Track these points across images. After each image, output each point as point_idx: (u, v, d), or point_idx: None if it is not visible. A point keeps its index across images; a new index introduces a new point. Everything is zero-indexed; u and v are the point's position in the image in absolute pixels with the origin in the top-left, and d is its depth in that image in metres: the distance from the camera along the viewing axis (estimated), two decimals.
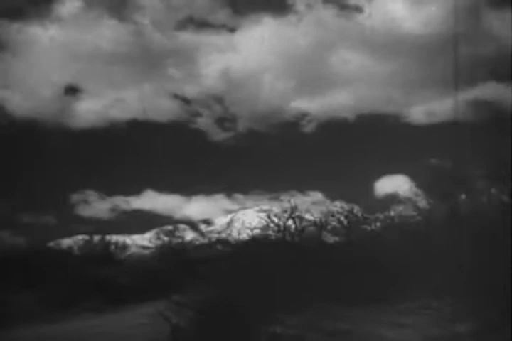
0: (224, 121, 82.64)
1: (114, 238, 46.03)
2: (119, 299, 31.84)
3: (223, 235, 49.88)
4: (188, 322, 18.91)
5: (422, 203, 31.04)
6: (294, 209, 33.41)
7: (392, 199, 34.70)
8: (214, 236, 49.63)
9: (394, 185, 68.46)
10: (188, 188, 73.09)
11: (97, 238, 44.80)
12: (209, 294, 22.11)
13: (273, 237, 33.23)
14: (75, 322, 27.32)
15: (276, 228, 33.34)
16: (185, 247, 44.74)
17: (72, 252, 44.67)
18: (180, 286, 28.95)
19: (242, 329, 16.61)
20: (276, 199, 48.73)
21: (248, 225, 35.74)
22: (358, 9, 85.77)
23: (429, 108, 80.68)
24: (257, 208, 47.27)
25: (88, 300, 31.22)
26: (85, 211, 76.55)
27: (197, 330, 17.88)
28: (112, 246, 44.92)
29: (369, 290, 21.87)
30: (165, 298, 27.81)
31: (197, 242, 47.18)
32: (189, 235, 50.49)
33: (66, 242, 47.98)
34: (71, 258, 40.73)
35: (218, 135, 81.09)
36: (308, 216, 34.08)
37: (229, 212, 73.39)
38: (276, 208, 34.77)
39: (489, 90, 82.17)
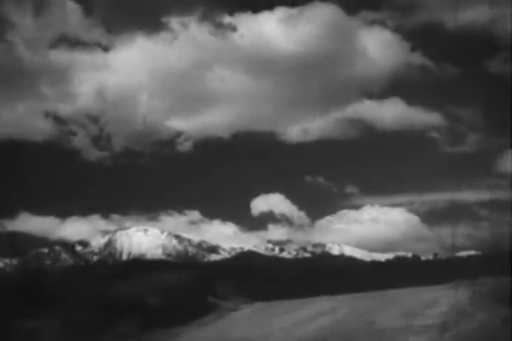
0: (99, 140, 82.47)
1: None
2: None
3: (100, 257, 49.72)
4: None
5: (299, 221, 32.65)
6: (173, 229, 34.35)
7: (268, 217, 36.13)
8: (91, 258, 49.39)
9: (269, 203, 70.76)
10: (63, 209, 69.89)
11: None
12: None
13: (154, 258, 34.02)
14: None
15: (158, 248, 34.19)
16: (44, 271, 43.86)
17: None
18: None
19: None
20: (155, 219, 49.41)
21: (127, 246, 36.37)
22: (233, 28, 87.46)
23: (304, 126, 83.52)
24: (134, 228, 47.40)
25: None
26: None
27: None
28: None
29: None
30: None
31: (71, 263, 46.69)
32: (64, 257, 50.07)
33: None
34: None
35: (94, 154, 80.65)
36: (188, 235, 35.11)
37: (106, 232, 72.19)
38: (154, 228, 35.58)
39: (362, 108, 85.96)
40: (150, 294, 28.47)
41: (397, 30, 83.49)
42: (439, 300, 18.73)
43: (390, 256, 68.54)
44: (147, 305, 29.35)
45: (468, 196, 77.18)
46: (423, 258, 61.57)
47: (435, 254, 60.24)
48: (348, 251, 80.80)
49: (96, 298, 27.31)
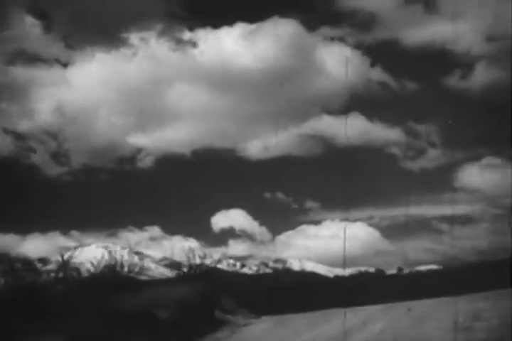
0: (59, 156, 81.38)
1: None
2: None
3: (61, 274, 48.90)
4: None
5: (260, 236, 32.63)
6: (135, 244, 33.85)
7: (229, 233, 35.91)
8: (51, 275, 48.58)
9: (230, 219, 70.51)
10: (22, 226, 67.40)
11: None
12: None
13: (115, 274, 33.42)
14: None
15: (118, 265, 33.62)
16: None
17: None
18: None
19: None
20: (115, 235, 48.65)
21: (87, 262, 35.76)
22: (193, 44, 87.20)
23: (264, 142, 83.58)
24: (94, 245, 46.93)
25: None
26: None
27: None
28: None
29: None
30: None
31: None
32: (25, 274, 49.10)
33: None
34: None
35: (53, 170, 79.61)
36: (149, 252, 34.63)
37: (66, 249, 71.21)
38: (114, 244, 35.04)
39: (322, 124, 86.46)
40: (158, 308, 27.72)
41: (356, 46, 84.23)
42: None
43: (353, 270, 68.52)
44: (156, 319, 28.48)
45: (428, 210, 78.01)
46: (388, 272, 61.80)
47: (399, 269, 60.46)
48: (309, 266, 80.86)
49: (103, 312, 26.45)
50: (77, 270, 35.54)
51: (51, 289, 34.19)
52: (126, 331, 27.34)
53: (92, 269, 34.61)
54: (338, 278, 61.45)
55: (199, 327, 28.01)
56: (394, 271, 61.11)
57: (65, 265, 39.28)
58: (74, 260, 47.77)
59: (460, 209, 77.95)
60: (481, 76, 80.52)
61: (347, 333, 19.94)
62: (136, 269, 35.90)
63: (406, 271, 60.36)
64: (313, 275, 74.26)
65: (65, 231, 68.31)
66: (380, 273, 62.20)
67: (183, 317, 28.63)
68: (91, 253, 40.97)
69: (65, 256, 51.53)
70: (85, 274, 35.97)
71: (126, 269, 33.41)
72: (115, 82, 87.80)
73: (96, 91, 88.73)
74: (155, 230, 69.17)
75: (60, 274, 43.42)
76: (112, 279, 32.28)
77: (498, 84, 79.33)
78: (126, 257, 33.72)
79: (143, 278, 37.58)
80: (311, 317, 24.02)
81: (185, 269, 45.05)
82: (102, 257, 34.29)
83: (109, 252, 33.34)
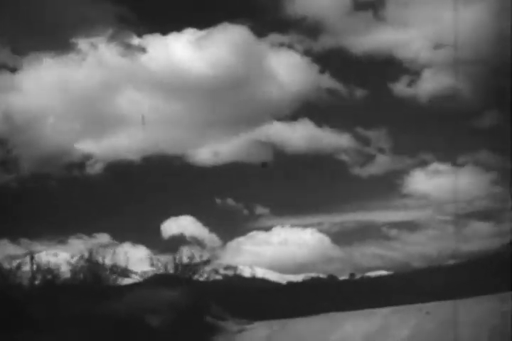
0: (6, 163, 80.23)
1: None
2: None
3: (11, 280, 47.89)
4: None
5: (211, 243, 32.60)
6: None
7: (179, 239, 35.68)
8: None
9: (180, 225, 70.02)
10: None
11: None
12: None
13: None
14: None
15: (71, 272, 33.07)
16: None
17: None
18: None
19: None
20: (64, 242, 48.16)
21: (38, 270, 35.03)
22: (142, 50, 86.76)
23: (214, 148, 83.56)
24: (44, 252, 46.43)
25: None
26: None
27: None
28: None
29: None
30: None
31: None
32: None
33: None
34: None
35: (1, 177, 78.52)
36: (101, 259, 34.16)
37: (15, 257, 69.87)
38: (65, 252, 34.42)
39: (272, 130, 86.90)
40: (148, 313, 26.38)
41: (305, 53, 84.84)
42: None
43: (305, 277, 68.74)
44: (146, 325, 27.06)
45: (377, 216, 78.95)
46: (340, 278, 62.10)
47: (351, 274, 60.79)
48: (260, 272, 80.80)
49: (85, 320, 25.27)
50: (51, 272, 34.68)
51: (23, 294, 33.37)
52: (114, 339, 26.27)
53: (42, 276, 33.80)
54: (290, 285, 61.59)
55: (192, 334, 26.97)
56: (346, 277, 61.50)
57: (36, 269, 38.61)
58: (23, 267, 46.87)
59: (408, 215, 79.27)
60: (428, 83, 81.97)
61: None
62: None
63: (357, 276, 60.78)
64: (265, 282, 74.25)
65: (14, 239, 67.34)
66: (333, 279, 62.45)
67: (175, 323, 27.49)
68: (41, 260, 40.29)
69: (14, 264, 50.57)
70: (37, 281, 35.07)
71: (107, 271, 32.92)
72: (64, 87, 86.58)
73: (45, 97, 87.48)
74: (104, 237, 68.41)
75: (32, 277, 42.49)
76: (92, 282, 31.53)
77: (445, 90, 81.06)
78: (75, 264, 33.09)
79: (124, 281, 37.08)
80: (312, 321, 23.72)
81: (134, 276, 44.66)
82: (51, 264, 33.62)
83: (59, 259, 32.65)
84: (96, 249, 37.92)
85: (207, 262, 43.00)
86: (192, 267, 39.86)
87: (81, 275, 33.35)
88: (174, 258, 36.76)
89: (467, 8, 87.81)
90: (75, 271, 33.38)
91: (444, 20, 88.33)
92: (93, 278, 33.12)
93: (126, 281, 45.88)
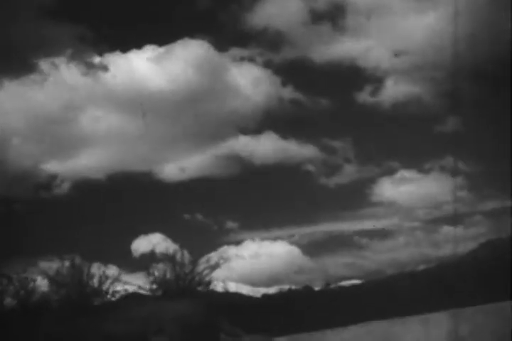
0: None
1: None
2: None
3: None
4: None
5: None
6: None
7: (150, 257, 35.65)
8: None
9: (150, 243, 69.74)
10: None
11: None
12: None
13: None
14: None
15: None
16: None
17: None
18: None
19: None
20: (35, 265, 47.94)
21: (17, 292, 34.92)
22: (104, 68, 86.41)
23: (180, 164, 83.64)
24: (16, 275, 46.30)
25: None
26: None
27: None
28: None
29: None
30: None
31: None
32: None
33: None
34: None
35: None
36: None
37: None
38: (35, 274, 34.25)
39: (237, 144, 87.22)
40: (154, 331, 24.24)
41: (266, 65, 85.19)
42: None
43: (280, 289, 68.86)
44: None
45: (347, 226, 79.40)
46: (316, 288, 62.27)
47: (327, 284, 61.04)
48: (233, 287, 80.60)
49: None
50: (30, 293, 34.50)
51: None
52: None
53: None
54: (265, 297, 61.65)
55: None
56: (319, 287, 61.73)
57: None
58: None
59: (378, 223, 79.85)
60: (391, 90, 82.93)
61: None
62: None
63: (333, 286, 61.10)
64: (239, 296, 74.10)
65: None
66: (308, 289, 62.68)
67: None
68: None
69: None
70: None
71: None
72: (26, 109, 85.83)
73: (7, 119, 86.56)
74: (75, 258, 67.68)
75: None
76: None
77: (407, 97, 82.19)
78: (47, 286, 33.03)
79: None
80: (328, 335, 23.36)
81: (105, 296, 44.63)
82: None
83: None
84: (67, 270, 37.85)
85: (97, 291, 43.34)
86: (165, 284, 39.84)
87: (61, 294, 33.15)
88: (147, 276, 36.77)
89: (424, 14, 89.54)
90: (51, 291, 33.21)
91: (403, 27, 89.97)
92: (70, 298, 32.98)
93: (97, 301, 45.86)
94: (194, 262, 41.17)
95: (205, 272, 43.60)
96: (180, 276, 45.74)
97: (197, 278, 44.15)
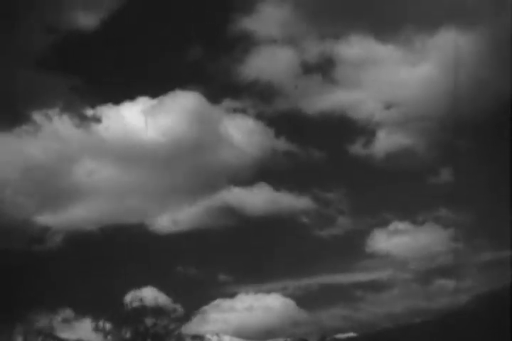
0: None
1: None
2: None
3: None
4: None
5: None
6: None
7: (142, 311, 35.33)
8: None
9: (143, 297, 69.14)
10: None
11: None
12: None
13: None
14: None
15: None
16: None
17: None
18: None
19: None
20: (26, 318, 47.49)
21: None
22: (97, 120, 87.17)
23: (172, 216, 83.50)
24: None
25: None
26: None
27: None
28: None
29: None
30: None
31: None
32: None
33: None
34: None
35: None
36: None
37: None
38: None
39: (230, 196, 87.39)
40: None
41: (259, 117, 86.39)
42: None
43: None
44: None
45: (342, 278, 78.99)
46: None
47: (322, 337, 60.41)
48: (227, 340, 79.65)
49: None
50: None
51: None
52: None
53: None
54: None
55: None
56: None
57: None
58: None
59: (372, 275, 79.56)
60: (383, 142, 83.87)
61: None
62: None
63: (328, 339, 60.48)
64: None
65: None
66: None
67: None
68: None
69: None
70: None
71: None
72: (19, 160, 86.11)
73: (0, 170, 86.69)
74: (67, 312, 66.95)
75: None
76: None
77: (400, 149, 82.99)
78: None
79: None
80: None
81: None
82: None
83: None
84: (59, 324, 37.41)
85: (172, 332, 42.58)
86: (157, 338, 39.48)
87: None
88: (137, 330, 36.43)
89: (414, 66, 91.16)
90: None
91: (394, 79, 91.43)
92: None
93: None
94: (187, 315, 40.77)
95: (198, 325, 43.23)
96: (172, 330, 45.28)
97: (190, 332, 43.70)
